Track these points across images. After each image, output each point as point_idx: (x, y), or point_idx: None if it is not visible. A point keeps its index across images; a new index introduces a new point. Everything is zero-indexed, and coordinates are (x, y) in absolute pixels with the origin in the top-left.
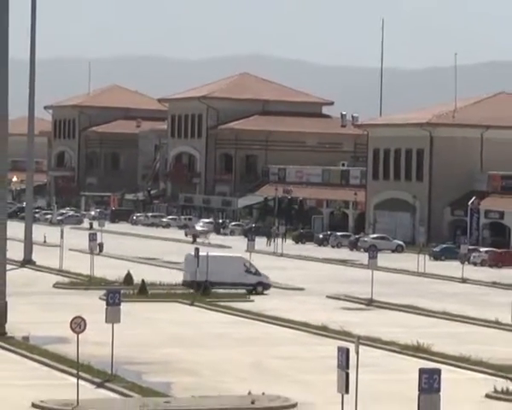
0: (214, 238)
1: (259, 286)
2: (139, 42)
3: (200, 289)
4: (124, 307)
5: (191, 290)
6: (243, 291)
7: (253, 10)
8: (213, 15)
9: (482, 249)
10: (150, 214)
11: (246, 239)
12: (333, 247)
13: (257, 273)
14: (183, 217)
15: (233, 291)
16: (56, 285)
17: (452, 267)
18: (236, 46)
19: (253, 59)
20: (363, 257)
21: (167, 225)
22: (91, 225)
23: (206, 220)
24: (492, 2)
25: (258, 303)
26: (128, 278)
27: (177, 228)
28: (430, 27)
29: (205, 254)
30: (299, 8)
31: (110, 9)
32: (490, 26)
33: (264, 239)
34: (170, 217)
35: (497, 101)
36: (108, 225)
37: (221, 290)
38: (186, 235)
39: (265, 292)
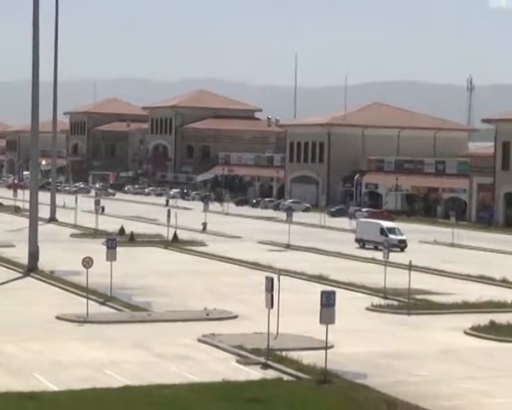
0: (181, 203)
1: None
2: (131, 66)
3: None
4: (118, 250)
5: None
6: (202, 238)
7: (212, 48)
8: (180, 48)
9: (363, 209)
10: (137, 186)
11: (202, 203)
12: (262, 208)
13: (397, 233)
14: (159, 188)
15: (194, 239)
16: (72, 235)
17: (343, 222)
18: (196, 71)
19: (209, 81)
20: (282, 215)
21: (148, 194)
22: (97, 193)
23: (176, 190)
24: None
25: (210, 247)
26: (122, 230)
27: (155, 196)
28: (336, 51)
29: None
30: (240, 45)
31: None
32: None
33: (215, 203)
34: (150, 188)
35: (373, 109)
36: (108, 194)
37: (186, 238)
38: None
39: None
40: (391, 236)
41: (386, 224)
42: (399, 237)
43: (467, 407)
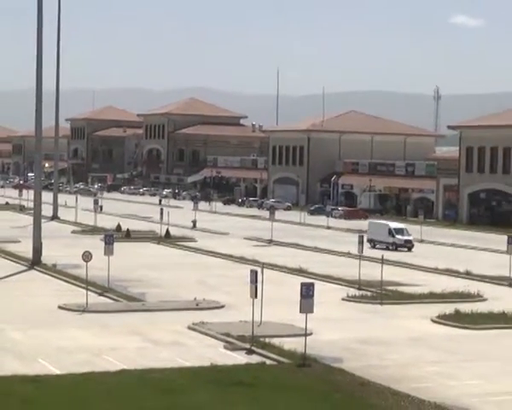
0: (173, 202)
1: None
2: (127, 77)
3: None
4: (115, 245)
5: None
6: (192, 234)
7: (202, 61)
8: (173, 61)
9: (340, 208)
10: (132, 187)
11: (192, 202)
12: (247, 207)
13: (404, 234)
14: (152, 188)
15: (185, 235)
16: (73, 232)
17: (321, 220)
18: (186, 81)
19: (198, 90)
20: (266, 213)
21: (143, 194)
22: (95, 193)
23: (168, 191)
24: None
25: (200, 243)
26: (118, 227)
27: (149, 196)
28: (316, 64)
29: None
30: (228, 58)
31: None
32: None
33: (204, 202)
34: (144, 188)
35: (349, 116)
36: (106, 194)
37: (177, 234)
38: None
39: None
40: (398, 236)
41: (393, 225)
42: (406, 238)
43: (434, 389)
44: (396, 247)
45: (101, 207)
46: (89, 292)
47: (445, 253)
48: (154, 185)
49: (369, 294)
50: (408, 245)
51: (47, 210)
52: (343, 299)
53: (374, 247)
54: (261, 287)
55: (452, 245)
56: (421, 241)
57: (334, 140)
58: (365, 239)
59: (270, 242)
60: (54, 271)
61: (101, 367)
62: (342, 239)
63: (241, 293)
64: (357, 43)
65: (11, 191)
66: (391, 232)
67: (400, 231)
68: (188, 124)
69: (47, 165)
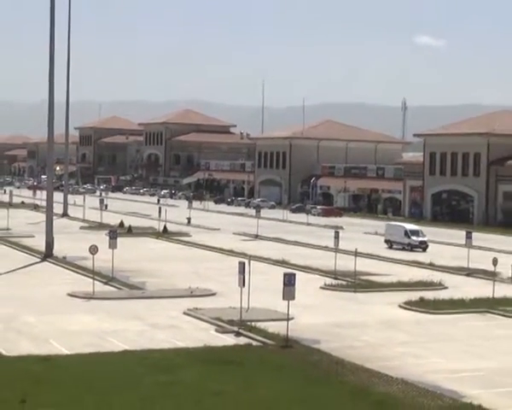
0: (170, 201)
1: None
2: (129, 90)
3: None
4: (119, 239)
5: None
6: (187, 230)
7: (197, 76)
8: (170, 76)
9: (318, 207)
10: (134, 188)
11: (187, 202)
12: (236, 206)
13: (420, 235)
14: (151, 189)
15: (181, 230)
16: (81, 228)
17: (301, 217)
18: (182, 94)
19: (193, 102)
20: (252, 211)
21: (143, 194)
22: (101, 193)
23: (165, 191)
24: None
25: (194, 237)
26: (121, 224)
27: (149, 195)
28: (297, 79)
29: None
30: (220, 73)
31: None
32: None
33: (197, 202)
34: (144, 189)
35: (326, 125)
36: (110, 194)
37: (173, 230)
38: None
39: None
40: (413, 237)
41: (409, 227)
42: (421, 239)
43: (402, 367)
44: (411, 247)
45: (106, 206)
46: (95, 281)
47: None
48: (152, 186)
49: (344, 283)
50: (422, 246)
51: (58, 208)
52: (321, 287)
53: (390, 247)
54: (248, 277)
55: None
56: None
57: (313, 146)
58: (382, 239)
59: (257, 236)
60: (64, 262)
61: (106, 348)
62: (320, 234)
63: (230, 282)
64: (335, 60)
65: (26, 192)
66: (407, 234)
67: (415, 233)
68: (183, 132)
69: (58, 168)
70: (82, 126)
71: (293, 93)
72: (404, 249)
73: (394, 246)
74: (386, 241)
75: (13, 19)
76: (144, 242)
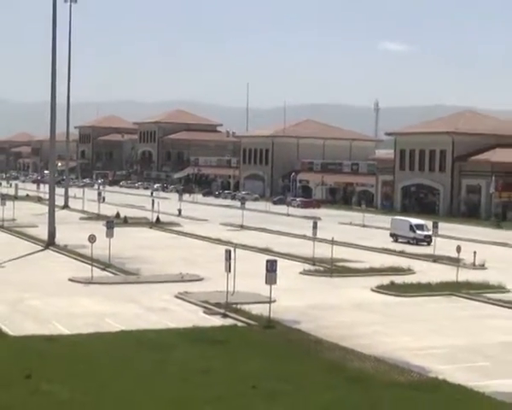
0: (162, 194)
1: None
2: (125, 91)
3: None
4: (115, 229)
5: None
6: (178, 221)
7: (186, 78)
8: (162, 77)
9: (298, 199)
10: (129, 182)
11: (177, 194)
12: (222, 198)
13: (424, 230)
14: (145, 183)
15: (172, 221)
16: (81, 218)
17: (283, 208)
18: (173, 95)
19: (183, 102)
20: (237, 203)
21: (137, 188)
22: (99, 187)
23: (158, 185)
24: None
25: (184, 227)
26: (117, 214)
27: (143, 189)
28: (279, 81)
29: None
30: (208, 76)
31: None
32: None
33: (187, 194)
34: (139, 183)
35: (305, 124)
36: (107, 188)
37: (165, 221)
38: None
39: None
40: (418, 232)
41: (414, 221)
42: (425, 233)
43: (374, 345)
44: (417, 241)
45: (103, 199)
46: (93, 268)
47: (382, 235)
48: (146, 180)
49: (321, 269)
50: (427, 240)
51: (59, 201)
52: (300, 273)
53: (396, 241)
54: (234, 263)
55: (388, 229)
56: (363, 226)
57: (293, 144)
58: (388, 233)
59: (242, 226)
60: (65, 250)
61: (104, 329)
62: (299, 224)
63: (217, 268)
64: (313, 63)
65: (30, 185)
66: (412, 228)
67: (420, 227)
68: (174, 130)
69: (59, 164)
70: (81, 125)
71: (278, 95)
72: (409, 243)
73: (400, 240)
74: (392, 235)
75: (13, 19)
76: (139, 231)
